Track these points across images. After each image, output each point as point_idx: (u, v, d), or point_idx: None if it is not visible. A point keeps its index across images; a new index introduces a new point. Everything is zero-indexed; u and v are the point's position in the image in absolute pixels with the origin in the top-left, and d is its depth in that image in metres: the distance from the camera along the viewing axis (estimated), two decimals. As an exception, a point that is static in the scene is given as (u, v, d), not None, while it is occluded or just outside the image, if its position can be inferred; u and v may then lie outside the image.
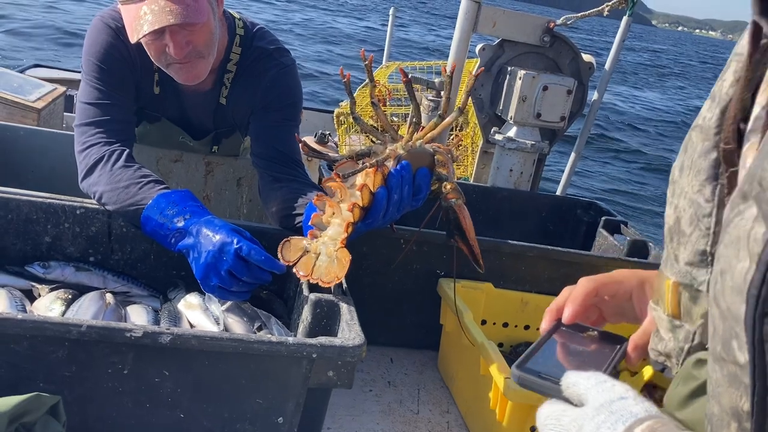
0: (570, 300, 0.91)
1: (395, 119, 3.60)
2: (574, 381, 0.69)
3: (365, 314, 1.25)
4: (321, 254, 1.24)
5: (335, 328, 1.19)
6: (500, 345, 1.72)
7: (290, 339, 1.03)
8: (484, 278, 1.70)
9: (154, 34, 1.49)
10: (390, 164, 1.28)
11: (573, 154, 2.65)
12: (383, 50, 4.73)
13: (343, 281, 1.29)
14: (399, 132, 1.38)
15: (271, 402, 1.09)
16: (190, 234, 1.32)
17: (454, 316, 1.57)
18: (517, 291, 1.72)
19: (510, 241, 1.70)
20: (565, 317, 0.90)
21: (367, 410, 1.49)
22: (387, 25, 4.83)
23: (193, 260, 1.31)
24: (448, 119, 1.33)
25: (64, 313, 1.27)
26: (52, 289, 1.36)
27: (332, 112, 4.12)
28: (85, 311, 1.26)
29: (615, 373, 0.78)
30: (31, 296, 1.37)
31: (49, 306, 1.30)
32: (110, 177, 1.44)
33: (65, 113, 3.14)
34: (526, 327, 1.74)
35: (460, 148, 3.07)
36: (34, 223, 1.43)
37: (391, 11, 4.79)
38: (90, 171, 1.48)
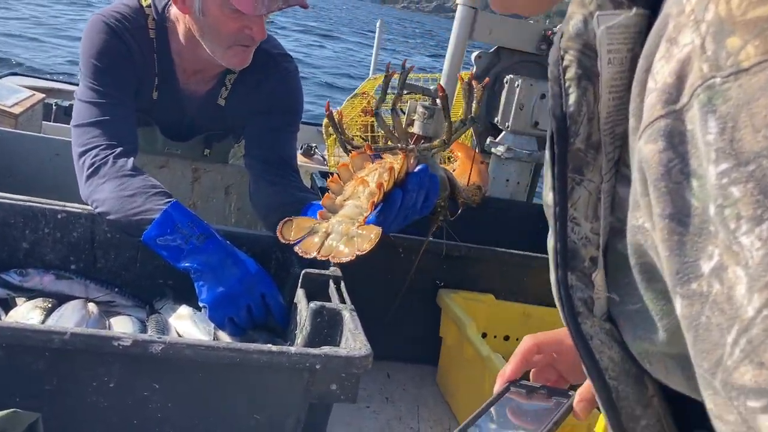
0: (510, 358, 0.91)
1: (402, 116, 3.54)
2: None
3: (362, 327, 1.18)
4: (333, 233, 1.15)
5: (337, 339, 1.11)
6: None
7: (292, 349, 0.96)
8: (485, 289, 1.64)
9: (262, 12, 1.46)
10: (411, 159, 1.21)
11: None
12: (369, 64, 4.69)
13: (344, 290, 1.22)
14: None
15: (270, 418, 1.00)
16: (209, 256, 1.24)
17: (455, 329, 1.50)
18: (520, 303, 1.65)
19: (513, 251, 1.64)
20: (505, 374, 0.89)
21: (366, 428, 1.41)
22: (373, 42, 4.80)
23: (205, 284, 1.23)
24: (461, 131, 1.28)
25: (43, 322, 1.18)
26: (29, 298, 1.26)
27: (319, 124, 4.06)
28: (67, 320, 1.17)
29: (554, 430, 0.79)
30: (7, 306, 1.27)
31: (26, 315, 1.20)
32: (115, 184, 1.34)
33: (44, 121, 3.06)
34: (529, 340, 1.67)
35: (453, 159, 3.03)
36: (11, 228, 1.34)
37: (378, 23, 4.76)
38: (92, 176, 1.37)
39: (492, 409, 0.82)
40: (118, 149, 1.40)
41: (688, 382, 0.50)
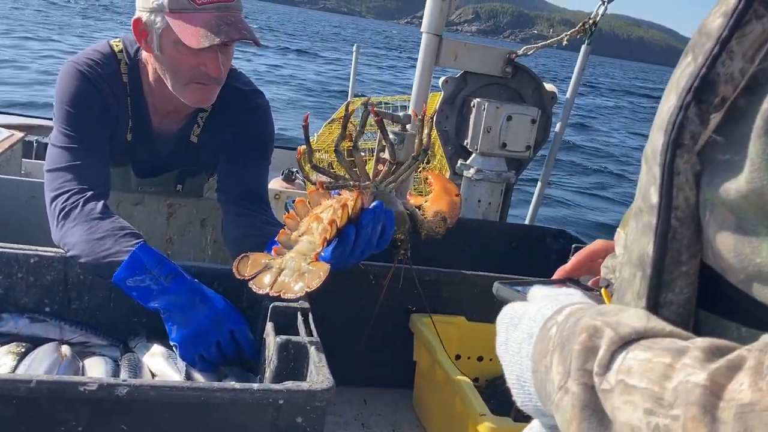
0: (575, 255, 0.93)
1: (362, 154, 3.58)
2: (539, 288, 0.78)
3: (337, 354, 1.20)
4: (286, 269, 1.18)
5: (304, 372, 1.14)
6: (476, 380, 1.68)
7: (255, 385, 0.99)
8: (457, 312, 1.67)
9: (214, 47, 1.48)
10: (366, 196, 1.25)
11: (539, 183, 2.66)
12: (348, 88, 4.74)
13: (311, 322, 1.25)
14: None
15: (238, 453, 1.03)
16: (178, 295, 1.27)
17: (428, 353, 1.53)
18: (491, 323, 1.68)
19: (481, 273, 1.68)
20: (566, 268, 0.92)
21: (342, 455, 1.44)
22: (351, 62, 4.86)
23: (174, 323, 1.26)
24: (416, 163, 1.32)
25: (16, 367, 1.21)
26: (3, 343, 1.29)
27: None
28: (39, 365, 1.19)
29: None
30: (-19, 352, 1.30)
31: (-1, 361, 1.23)
32: (84, 228, 1.37)
33: (24, 159, 3.07)
34: (502, 360, 1.70)
35: (427, 182, 3.06)
36: (-15, 274, 1.37)
37: (354, 48, 4.82)
38: (62, 220, 1.41)
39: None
40: (89, 193, 1.43)
41: (735, 243, 0.54)
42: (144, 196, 1.94)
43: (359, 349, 1.67)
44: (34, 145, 3.70)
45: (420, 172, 3.11)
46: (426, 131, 1.26)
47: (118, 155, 1.75)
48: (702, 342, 0.50)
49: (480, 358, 1.69)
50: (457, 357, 1.66)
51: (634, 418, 0.49)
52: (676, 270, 0.59)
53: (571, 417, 0.55)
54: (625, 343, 0.54)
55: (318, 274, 1.12)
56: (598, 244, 0.93)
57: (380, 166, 1.51)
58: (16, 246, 1.41)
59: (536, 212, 2.68)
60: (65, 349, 1.28)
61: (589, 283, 0.92)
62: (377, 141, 2.63)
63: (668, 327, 0.54)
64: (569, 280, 0.89)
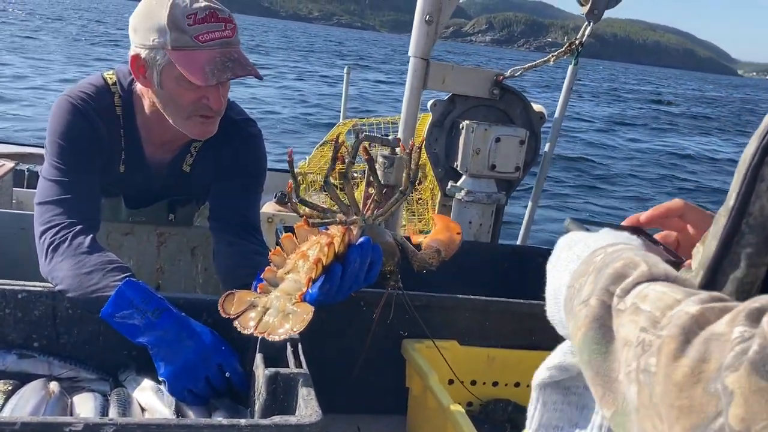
0: (652, 209, 0.93)
1: (355, 175, 3.59)
2: (606, 230, 0.77)
3: (329, 381, 1.20)
4: (271, 309, 1.17)
5: (293, 404, 1.13)
6: (470, 404, 1.67)
7: (242, 421, 0.98)
8: (448, 336, 1.67)
9: (219, 83, 1.51)
10: (354, 231, 1.24)
11: (530, 203, 2.66)
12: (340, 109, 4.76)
13: (301, 353, 1.24)
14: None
15: (227, 490, 1.02)
16: (165, 331, 1.26)
17: (420, 379, 1.53)
18: (483, 347, 1.68)
19: (473, 297, 1.68)
20: (639, 217, 0.91)
21: (335, 485, 1.43)
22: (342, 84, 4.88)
23: (163, 359, 1.26)
24: (404, 197, 1.32)
25: (2, 406, 1.20)
26: (-9, 381, 1.28)
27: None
28: (26, 403, 1.18)
29: None
30: (-31, 390, 1.28)
31: (-13, 400, 1.22)
32: (72, 262, 1.37)
33: (15, 188, 3.07)
34: (495, 383, 1.70)
35: (420, 201, 3.07)
36: (-28, 311, 1.36)
37: (345, 69, 4.85)
38: (51, 254, 1.41)
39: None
40: (78, 227, 1.43)
41: None
42: (134, 226, 1.94)
43: (352, 375, 1.66)
44: (26, 174, 3.69)
45: (414, 192, 3.12)
46: (413, 165, 1.26)
47: (111, 186, 1.76)
48: (715, 294, 0.53)
49: (473, 382, 1.68)
50: (450, 382, 1.66)
51: (632, 334, 0.55)
52: (732, 274, 0.60)
53: (581, 325, 0.61)
54: (653, 279, 0.58)
55: (302, 317, 1.12)
56: (677, 202, 0.92)
57: (370, 190, 1.50)
58: (3, 281, 1.40)
59: (528, 232, 2.69)
60: (53, 386, 1.27)
61: (656, 236, 0.92)
62: (365, 174, 2.64)
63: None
64: (638, 230, 0.88)
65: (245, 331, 1.15)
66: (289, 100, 18.29)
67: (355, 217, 1.26)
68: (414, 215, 3.16)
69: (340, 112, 4.68)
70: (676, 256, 0.87)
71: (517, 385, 1.71)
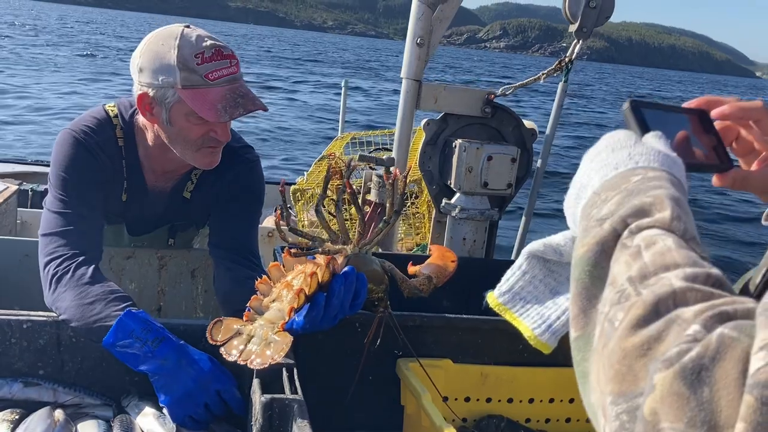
0: (732, 104, 0.85)
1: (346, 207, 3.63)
2: (655, 138, 0.73)
3: (326, 401, 1.24)
4: (254, 337, 1.22)
5: (288, 430, 1.18)
6: (464, 420, 1.72)
7: (239, 450, 1.02)
8: (442, 355, 1.71)
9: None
10: (340, 261, 1.29)
11: (524, 218, 2.71)
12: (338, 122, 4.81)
13: (296, 379, 1.29)
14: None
15: None
16: (164, 359, 1.31)
17: (414, 398, 1.57)
18: (476, 365, 1.72)
19: (464, 316, 1.72)
20: (711, 99, 0.86)
21: (332, 504, 1.47)
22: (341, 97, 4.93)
23: (163, 387, 1.31)
24: (389, 226, 1.37)
25: (10, 436, 1.25)
26: (-1, 410, 1.33)
27: (294, 182, 4.15)
28: (33, 432, 1.23)
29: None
30: (-23, 419, 1.33)
31: (-6, 429, 1.27)
32: (75, 293, 1.43)
33: (19, 208, 3.10)
34: (488, 400, 1.74)
35: (416, 215, 3.12)
36: (-21, 341, 1.41)
37: (343, 83, 4.90)
38: (55, 285, 1.47)
39: (668, 111, 0.81)
40: (80, 258, 1.49)
41: None
42: (135, 250, 1.99)
43: (347, 395, 1.70)
44: (30, 193, 3.73)
45: (408, 207, 3.17)
46: (398, 195, 1.30)
47: (113, 214, 1.81)
48: (715, 274, 0.53)
49: (467, 399, 1.73)
50: (445, 399, 1.70)
51: (621, 275, 0.56)
52: None
53: (586, 243, 0.62)
54: (670, 231, 0.58)
55: (281, 347, 1.18)
56: (757, 104, 0.85)
57: (365, 212, 1.54)
58: (8, 312, 1.45)
59: (521, 248, 2.72)
60: (58, 414, 1.32)
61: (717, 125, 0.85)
62: (362, 189, 2.69)
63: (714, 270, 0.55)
64: (701, 113, 0.83)
65: (229, 359, 1.21)
66: (299, 110, 18.33)
67: (340, 246, 1.31)
68: (411, 228, 3.20)
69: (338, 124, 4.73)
70: (724, 159, 0.83)
71: (510, 401, 1.75)
